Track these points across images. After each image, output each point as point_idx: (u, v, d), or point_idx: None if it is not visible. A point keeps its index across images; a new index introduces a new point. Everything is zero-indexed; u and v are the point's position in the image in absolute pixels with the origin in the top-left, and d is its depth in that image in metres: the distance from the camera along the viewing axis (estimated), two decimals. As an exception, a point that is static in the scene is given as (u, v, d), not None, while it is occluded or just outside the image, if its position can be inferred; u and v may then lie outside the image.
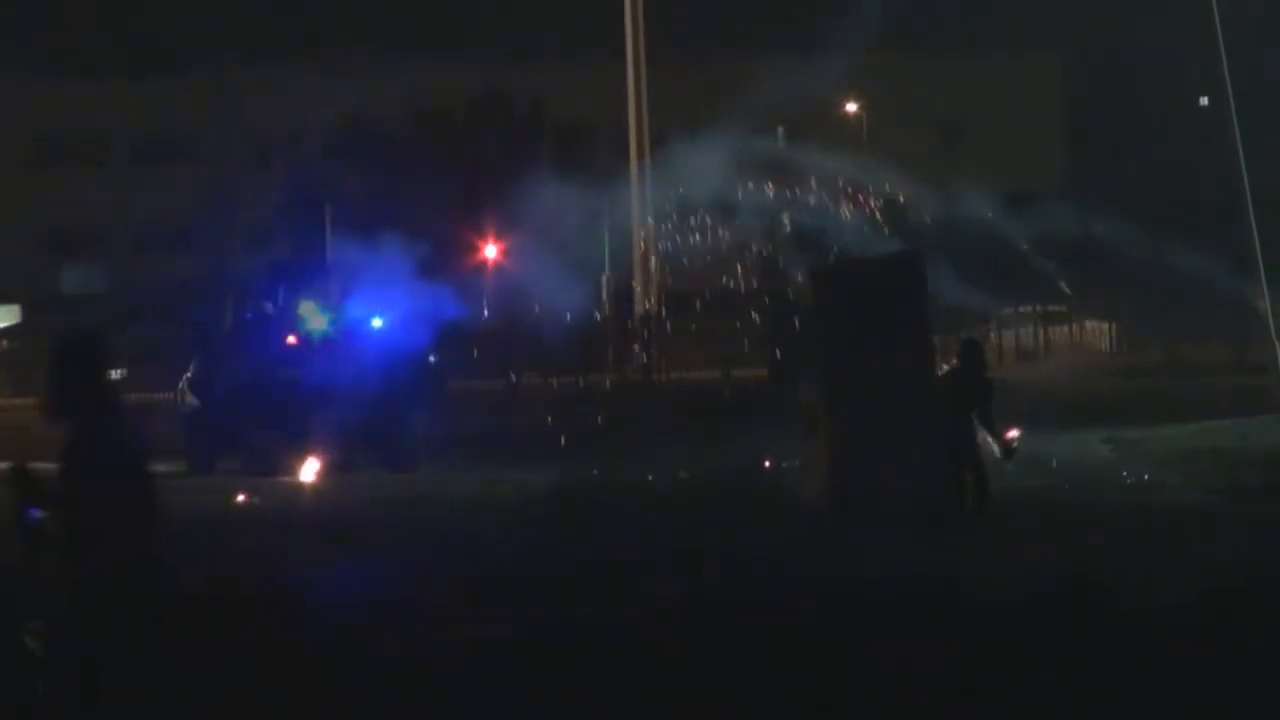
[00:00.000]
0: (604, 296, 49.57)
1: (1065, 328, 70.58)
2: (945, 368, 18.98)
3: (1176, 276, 44.57)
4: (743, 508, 19.73)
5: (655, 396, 43.81)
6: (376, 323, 28.59)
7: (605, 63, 52.84)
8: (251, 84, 67.19)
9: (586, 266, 41.26)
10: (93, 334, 7.64)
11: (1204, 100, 41.40)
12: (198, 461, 27.67)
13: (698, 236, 41.39)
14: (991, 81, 68.81)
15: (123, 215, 68.04)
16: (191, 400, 28.88)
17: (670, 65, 54.62)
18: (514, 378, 45.01)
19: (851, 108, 66.25)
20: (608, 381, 48.55)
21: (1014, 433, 18.69)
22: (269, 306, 30.26)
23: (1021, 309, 66.11)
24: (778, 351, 43.48)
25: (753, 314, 46.04)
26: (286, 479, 25.74)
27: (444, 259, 44.24)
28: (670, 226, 42.26)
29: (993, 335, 58.81)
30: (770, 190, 38.89)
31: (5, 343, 66.54)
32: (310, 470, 26.10)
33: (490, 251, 51.84)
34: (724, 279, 45.30)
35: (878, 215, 39.04)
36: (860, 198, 39.28)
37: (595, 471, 25.05)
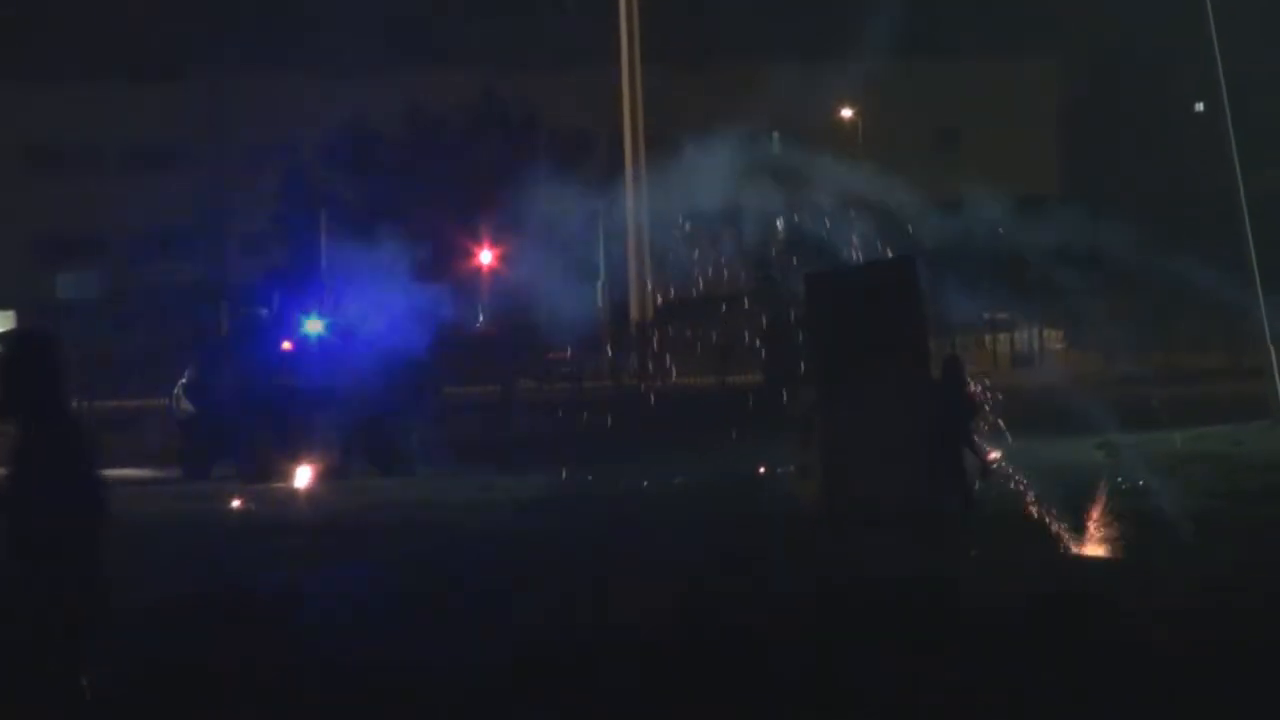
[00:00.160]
0: (600, 303, 49.52)
1: (1060, 332, 70.52)
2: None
3: (1172, 281, 44.52)
4: (739, 513, 19.71)
5: (651, 402, 43.80)
6: (371, 328, 28.58)
7: (601, 69, 52.83)
8: (248, 91, 67.19)
9: (582, 273, 41.20)
10: (47, 337, 7.54)
11: (1199, 106, 41.39)
12: (193, 467, 27.67)
13: (694, 243, 41.35)
14: (988, 86, 68.83)
15: (119, 222, 67.97)
16: (187, 406, 28.80)
17: (667, 71, 54.54)
18: (509, 383, 44.96)
19: (847, 113, 66.27)
20: (604, 387, 48.52)
21: (995, 454, 18.79)
22: (264, 312, 30.27)
23: (1017, 314, 66.03)
24: (774, 358, 43.42)
25: (749, 320, 45.98)
26: (282, 485, 25.72)
27: (439, 265, 44.23)
28: (666, 233, 42.22)
29: (988, 340, 58.71)
30: (767, 196, 38.84)
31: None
32: (305, 476, 26.09)
33: (486, 257, 51.75)
34: (720, 285, 45.27)
35: (874, 221, 38.97)
36: (856, 203, 39.21)
37: (590, 477, 25.03)
